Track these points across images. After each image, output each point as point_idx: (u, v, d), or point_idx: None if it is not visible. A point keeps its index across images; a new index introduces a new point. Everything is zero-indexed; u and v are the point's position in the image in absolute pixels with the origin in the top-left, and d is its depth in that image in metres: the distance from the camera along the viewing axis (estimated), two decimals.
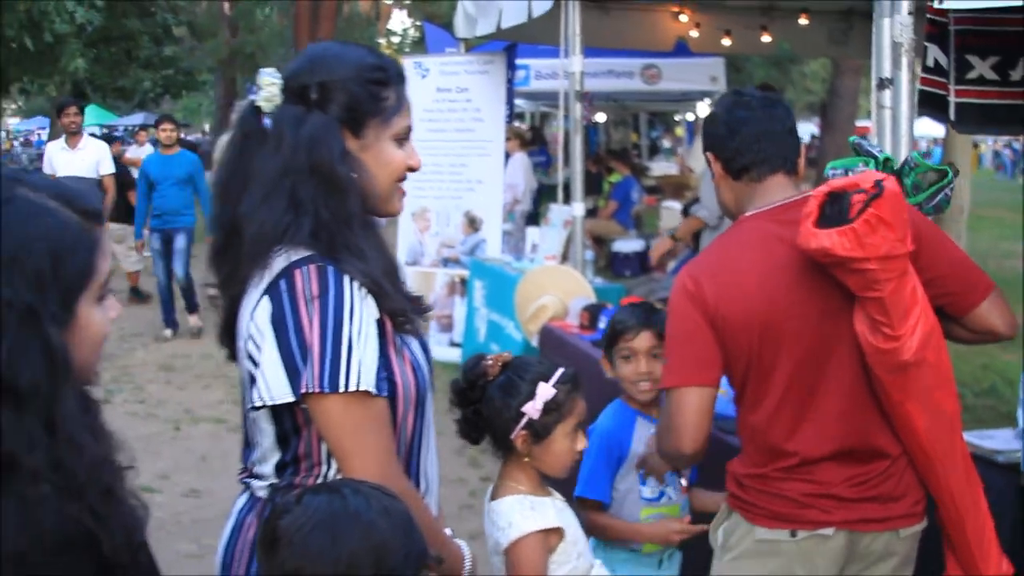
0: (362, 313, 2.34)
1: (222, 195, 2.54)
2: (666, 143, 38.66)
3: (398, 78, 2.51)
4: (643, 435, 3.74)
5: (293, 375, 2.30)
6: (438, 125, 9.87)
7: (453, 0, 10.59)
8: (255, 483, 2.49)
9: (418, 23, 40.26)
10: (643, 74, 15.72)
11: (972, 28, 4.25)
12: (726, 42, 9.98)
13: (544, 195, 15.23)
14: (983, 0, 3.42)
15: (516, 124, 15.25)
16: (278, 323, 2.32)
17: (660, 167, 26.01)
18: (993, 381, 9.02)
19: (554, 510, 2.96)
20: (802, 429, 3.00)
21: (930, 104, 4.40)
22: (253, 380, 2.37)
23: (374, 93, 2.47)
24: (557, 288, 6.74)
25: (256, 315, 2.36)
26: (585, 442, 3.03)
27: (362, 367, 2.30)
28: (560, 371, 2.96)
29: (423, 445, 2.57)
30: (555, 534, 2.92)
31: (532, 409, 2.87)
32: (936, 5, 3.41)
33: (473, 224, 9.91)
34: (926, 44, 4.40)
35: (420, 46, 28.11)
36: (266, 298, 2.35)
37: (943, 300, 3.01)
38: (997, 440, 4.24)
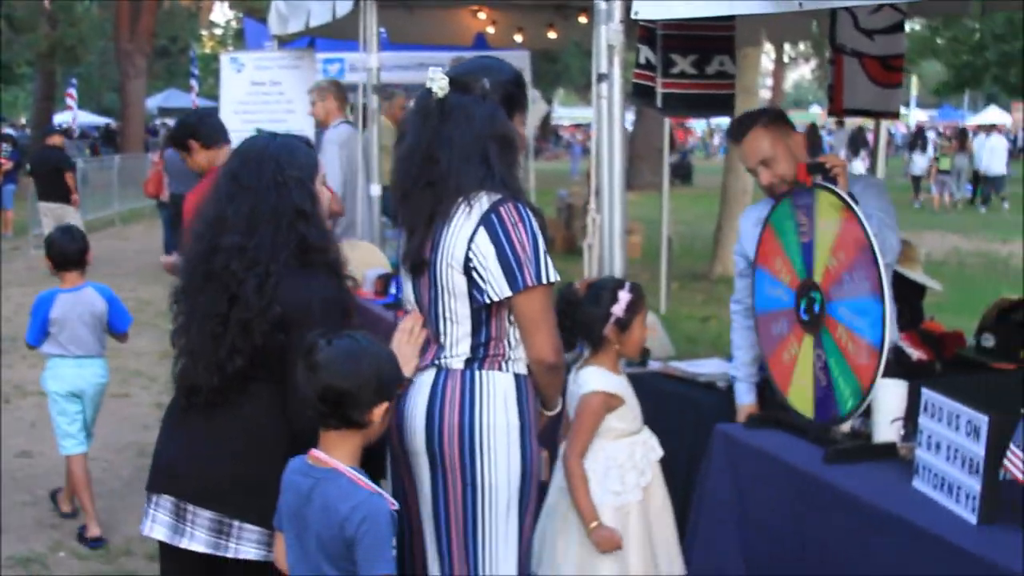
0: (538, 229, 3.46)
1: (414, 155, 3.53)
2: None
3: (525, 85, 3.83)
4: None
5: (511, 278, 3.40)
6: (252, 117, 10.36)
7: None
8: (450, 360, 3.54)
9: (240, 15, 40.26)
10: (452, 66, 16.35)
11: (676, 33, 5.16)
12: (518, 38, 10.80)
13: None
14: (674, 11, 4.26)
15: None
16: (497, 243, 3.40)
17: None
18: None
19: (621, 384, 4.17)
20: None
21: (641, 94, 5.32)
22: (473, 285, 3.44)
23: (521, 92, 3.77)
24: (355, 260, 7.46)
25: (476, 240, 3.41)
26: (647, 332, 4.33)
27: (552, 265, 3.45)
28: (628, 283, 4.22)
29: None
30: (617, 399, 4.12)
31: (619, 309, 4.10)
32: (633, 16, 4.25)
33: None
34: (639, 45, 5.30)
35: (241, 39, 28.49)
36: (482, 227, 3.41)
37: None
38: (705, 367, 5.19)
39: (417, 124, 3.57)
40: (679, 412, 4.96)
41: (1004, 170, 30.33)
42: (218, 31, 48.41)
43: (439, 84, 3.51)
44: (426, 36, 11.12)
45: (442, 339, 3.56)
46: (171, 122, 40.28)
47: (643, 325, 4.18)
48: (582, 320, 4.13)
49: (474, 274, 3.44)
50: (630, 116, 36.33)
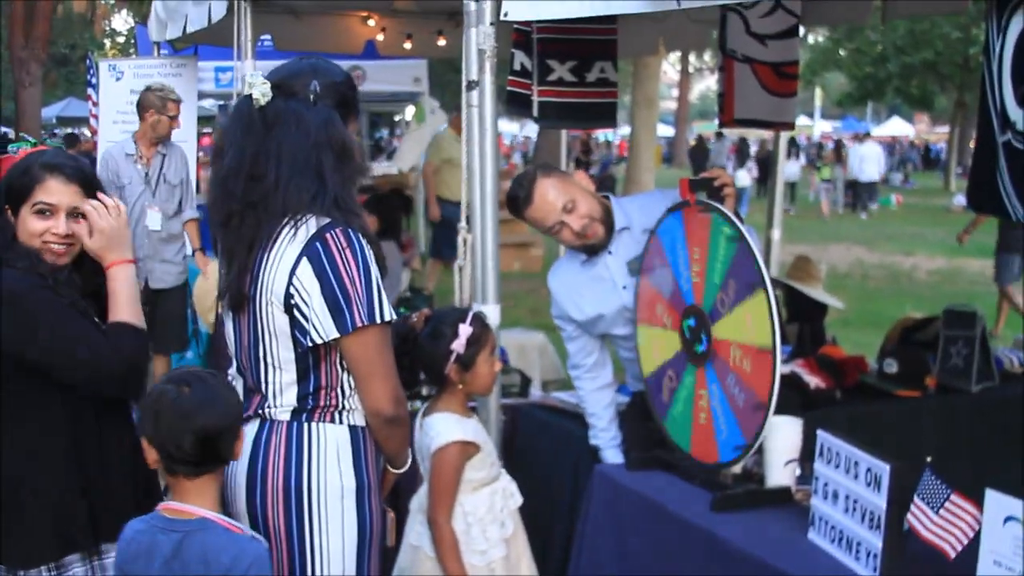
0: (371, 260, 2.99)
1: (237, 172, 3.05)
2: (397, 144, 39.04)
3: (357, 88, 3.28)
4: None
5: (339, 317, 2.92)
6: (131, 127, 9.86)
7: None
8: (275, 411, 3.07)
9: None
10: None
11: (552, 36, 4.80)
12: (407, 45, 10.43)
13: None
14: (546, 11, 3.91)
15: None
16: (322, 277, 2.93)
17: (381, 167, 26.24)
18: None
19: (474, 428, 3.69)
20: None
21: (517, 103, 4.96)
22: (295, 325, 2.97)
23: (355, 96, 3.22)
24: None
25: (299, 273, 2.94)
26: (501, 364, 3.80)
27: (387, 302, 2.99)
28: (472, 313, 3.71)
29: None
30: (473, 446, 3.64)
31: (459, 346, 3.60)
32: (503, 18, 3.88)
33: None
34: (512, 50, 4.94)
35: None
36: (304, 259, 2.94)
37: None
38: None
39: (238, 138, 3.09)
40: (560, 447, 4.62)
41: (877, 177, 31.28)
42: (120, 39, 47.50)
43: (260, 89, 3.05)
44: (315, 44, 10.69)
45: (264, 388, 3.09)
46: (69, 131, 39.61)
47: (490, 358, 3.71)
48: (421, 358, 3.68)
49: (296, 312, 2.98)
50: (535, 126, 36.15)
